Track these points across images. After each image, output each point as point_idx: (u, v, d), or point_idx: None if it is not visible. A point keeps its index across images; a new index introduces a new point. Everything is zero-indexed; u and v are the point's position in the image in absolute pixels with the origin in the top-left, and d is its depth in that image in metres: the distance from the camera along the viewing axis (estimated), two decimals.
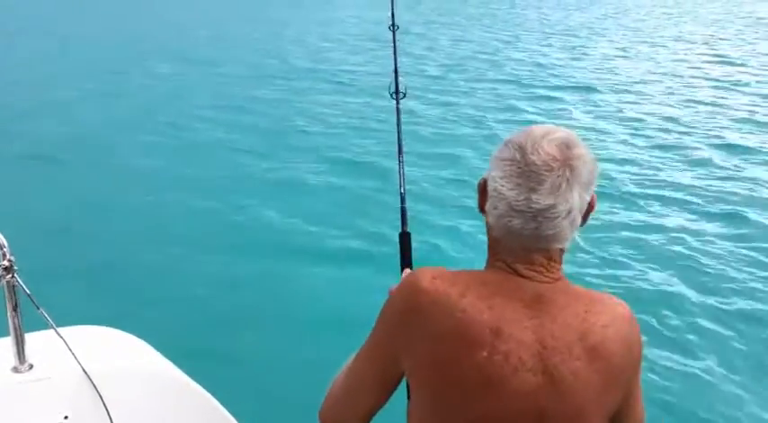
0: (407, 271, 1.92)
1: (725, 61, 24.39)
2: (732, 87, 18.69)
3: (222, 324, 5.79)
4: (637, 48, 27.92)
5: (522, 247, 1.35)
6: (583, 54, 25.19)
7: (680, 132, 12.96)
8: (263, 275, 6.70)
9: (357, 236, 7.56)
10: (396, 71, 2.59)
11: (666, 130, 13.05)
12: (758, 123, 13.86)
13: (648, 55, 25.74)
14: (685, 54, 26.48)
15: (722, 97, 17.01)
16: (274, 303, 6.19)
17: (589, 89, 17.67)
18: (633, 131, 12.91)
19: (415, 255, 2.08)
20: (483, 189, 1.40)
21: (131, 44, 22.29)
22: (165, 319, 5.73)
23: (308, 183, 9.55)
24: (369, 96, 14.77)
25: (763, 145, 11.83)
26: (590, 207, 1.34)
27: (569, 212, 1.29)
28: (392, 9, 2.79)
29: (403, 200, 2.27)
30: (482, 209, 1.41)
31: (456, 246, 7.31)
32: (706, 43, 30.80)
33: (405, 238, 2.11)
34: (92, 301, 5.87)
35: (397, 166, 2.36)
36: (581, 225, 1.35)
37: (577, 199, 1.29)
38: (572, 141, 1.31)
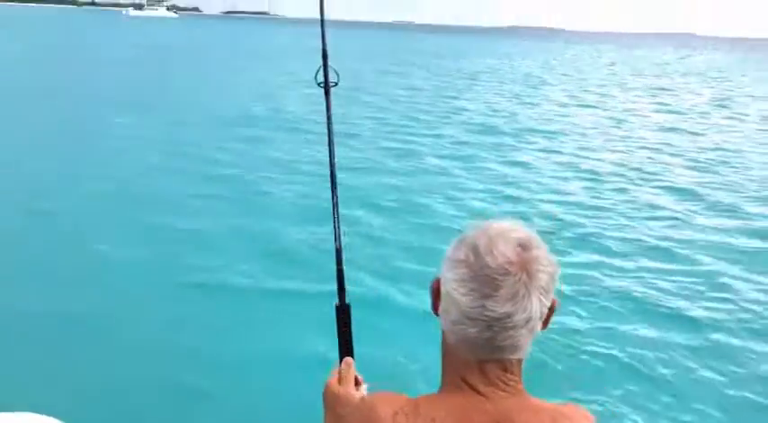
0: (348, 361, 1.62)
1: (666, 109, 25.80)
2: (673, 131, 19.82)
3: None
4: (582, 96, 29.26)
5: (476, 359, 1.22)
6: (533, 103, 26.27)
7: (625, 176, 13.62)
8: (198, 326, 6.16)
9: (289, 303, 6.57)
10: (324, 52, 2.02)
11: (618, 174, 13.72)
12: (698, 167, 14.84)
13: (594, 103, 26.99)
14: (632, 102, 27.87)
15: (665, 142, 17.97)
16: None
17: (538, 133, 18.42)
18: (591, 177, 13.59)
19: (355, 329, 1.68)
20: (436, 290, 1.26)
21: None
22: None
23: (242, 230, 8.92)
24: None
25: (701, 186, 12.84)
26: (550, 311, 1.21)
27: (528, 321, 1.16)
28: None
29: (339, 259, 1.81)
30: (436, 311, 1.28)
31: (404, 321, 6.11)
32: (647, 92, 32.60)
33: (342, 313, 1.70)
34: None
35: (332, 208, 1.82)
36: (543, 328, 1.22)
37: (537, 306, 1.16)
38: (530, 242, 1.18)
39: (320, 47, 1.98)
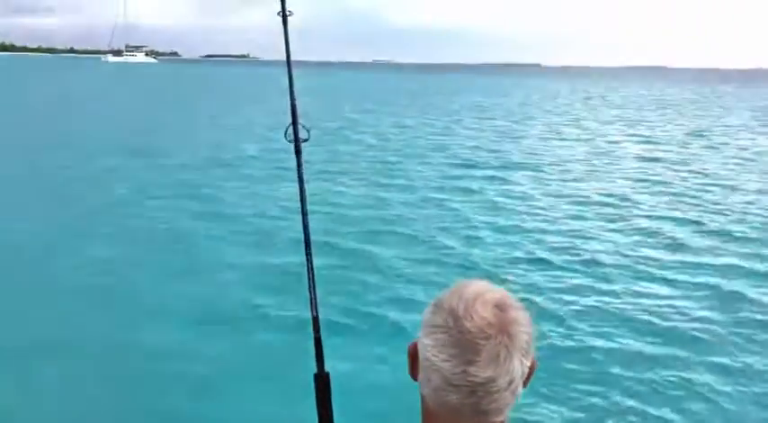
0: None
1: (646, 140, 26.39)
2: (655, 161, 20.29)
3: None
4: (564, 130, 29.87)
5: None
6: (517, 137, 26.77)
7: (612, 204, 13.96)
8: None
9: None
10: (293, 106, 1.98)
11: (603, 204, 14.04)
12: (681, 195, 15.27)
13: (576, 136, 27.54)
14: (612, 135, 28.40)
15: (649, 171, 18.41)
16: None
17: (525, 167, 18.79)
18: (578, 207, 13.84)
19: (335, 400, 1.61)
20: (413, 355, 1.23)
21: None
22: None
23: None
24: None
25: (684, 212, 13.42)
26: (530, 370, 1.19)
27: (511, 383, 1.14)
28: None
29: (316, 326, 1.76)
30: (414, 376, 1.25)
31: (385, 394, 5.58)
32: (626, 124, 33.32)
33: (321, 382, 1.64)
34: None
35: (306, 264, 1.78)
36: (524, 386, 1.19)
37: (518, 367, 1.15)
38: (507, 302, 1.17)
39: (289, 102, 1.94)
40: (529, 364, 1.17)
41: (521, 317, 1.16)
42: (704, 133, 29.42)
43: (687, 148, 24.25)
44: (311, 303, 1.71)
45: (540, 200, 14.49)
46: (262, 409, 5.51)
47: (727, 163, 20.46)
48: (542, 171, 18.34)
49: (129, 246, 10.32)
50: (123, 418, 5.50)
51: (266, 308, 7.70)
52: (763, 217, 13.07)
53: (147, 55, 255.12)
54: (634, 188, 15.99)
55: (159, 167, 17.45)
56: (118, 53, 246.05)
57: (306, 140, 1.97)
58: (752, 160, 21.12)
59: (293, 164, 1.99)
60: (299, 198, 1.82)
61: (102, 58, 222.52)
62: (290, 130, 1.94)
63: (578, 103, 52.85)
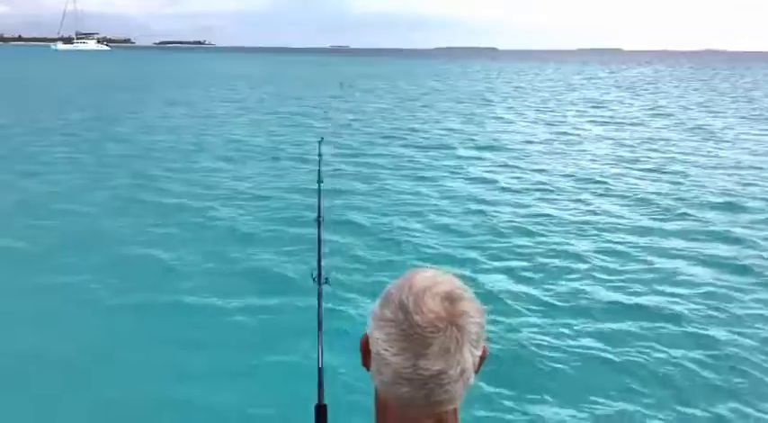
0: None
1: (607, 121, 26.48)
2: (616, 142, 20.26)
3: None
4: (527, 113, 29.79)
5: (411, 415, 1.19)
6: (482, 120, 26.60)
7: (579, 186, 13.84)
8: None
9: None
10: (319, 257, 2.41)
11: (572, 184, 13.91)
12: (645, 173, 15.32)
13: (540, 118, 27.49)
14: (574, 116, 28.47)
15: (612, 152, 18.40)
16: None
17: (493, 149, 18.68)
18: (545, 187, 13.69)
19: None
20: (365, 348, 1.24)
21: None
22: None
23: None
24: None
25: (645, 192, 13.36)
26: (482, 359, 1.20)
27: (462, 374, 1.15)
28: (318, 207, 2.68)
29: (320, 370, 2.02)
30: (367, 367, 1.26)
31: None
32: (587, 106, 33.45)
33: (321, 413, 1.84)
34: None
35: (317, 340, 2.11)
36: (476, 373, 1.19)
37: (469, 357, 1.15)
38: (456, 294, 1.16)
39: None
40: (479, 353, 1.17)
41: (471, 308, 1.15)
42: (662, 112, 29.74)
43: (648, 126, 24.44)
44: (318, 350, 1.96)
45: (508, 182, 14.33)
46: None
47: (688, 141, 20.68)
48: (509, 153, 18.24)
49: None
50: None
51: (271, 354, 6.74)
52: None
53: (98, 42, 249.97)
54: (600, 168, 15.95)
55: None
56: (68, 41, 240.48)
57: (326, 281, 2.38)
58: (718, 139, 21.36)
59: None
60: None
61: (52, 46, 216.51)
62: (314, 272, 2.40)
63: (539, 85, 53.06)
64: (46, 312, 7.19)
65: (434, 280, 1.18)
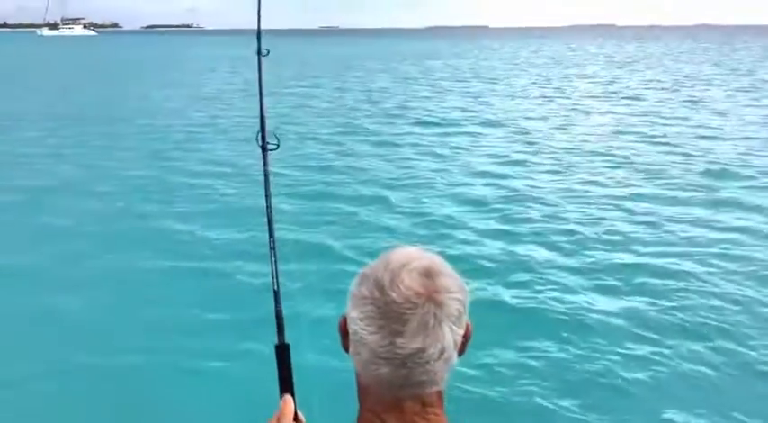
0: (287, 398, 1.52)
1: (628, 95, 25.50)
2: (641, 115, 19.38)
3: None
4: (534, 90, 28.78)
5: (392, 397, 1.15)
6: (490, 98, 25.67)
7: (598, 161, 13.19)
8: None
9: (224, 351, 6.08)
10: (262, 113, 2.11)
11: (594, 159, 13.17)
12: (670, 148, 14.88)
13: (551, 94, 26.62)
14: (587, 91, 27.58)
15: (633, 127, 17.55)
16: None
17: (505, 125, 18.23)
18: (556, 162, 13.16)
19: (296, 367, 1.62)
20: (344, 330, 1.19)
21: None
22: None
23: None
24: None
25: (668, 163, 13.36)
26: (465, 337, 1.15)
27: (442, 352, 1.09)
28: (258, 30, 2.32)
29: (277, 299, 1.80)
30: (347, 349, 1.20)
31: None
32: (599, 81, 32.38)
33: (282, 352, 1.69)
34: None
35: (269, 252, 1.83)
36: (460, 355, 1.15)
37: (449, 335, 1.10)
38: (435, 269, 1.12)
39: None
40: (462, 331, 1.15)
41: (450, 283, 1.13)
42: (681, 86, 29.07)
43: (671, 103, 23.58)
44: (272, 275, 1.78)
45: (518, 157, 14.17)
46: (227, 379, 5.54)
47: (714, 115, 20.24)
48: (526, 131, 17.68)
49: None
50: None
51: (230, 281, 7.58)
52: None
53: (85, 27, 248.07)
54: (627, 143, 15.64)
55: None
56: (54, 26, 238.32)
57: (277, 147, 2.02)
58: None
59: None
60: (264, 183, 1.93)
61: (38, 32, 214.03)
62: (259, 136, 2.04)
63: (541, 62, 52.24)
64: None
65: (412, 256, 1.15)
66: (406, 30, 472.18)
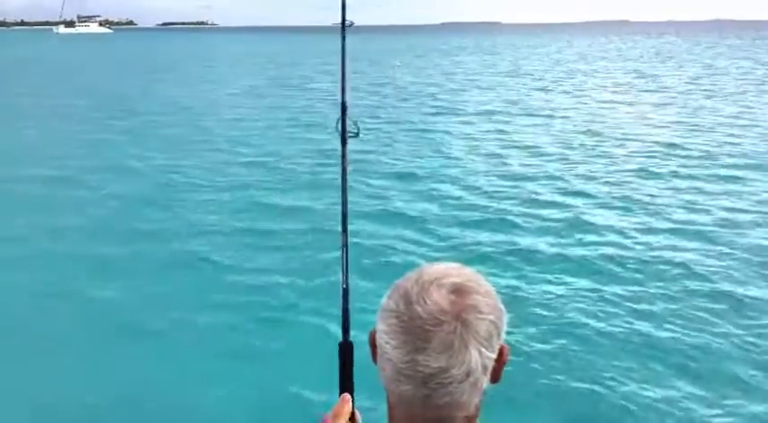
0: (346, 397, 1.52)
1: (655, 88, 25.75)
2: (665, 107, 19.67)
3: None
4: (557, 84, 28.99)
5: (416, 418, 1.11)
6: (524, 92, 25.91)
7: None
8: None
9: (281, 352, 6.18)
10: (343, 97, 1.89)
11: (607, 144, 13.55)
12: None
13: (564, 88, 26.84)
14: (620, 85, 27.68)
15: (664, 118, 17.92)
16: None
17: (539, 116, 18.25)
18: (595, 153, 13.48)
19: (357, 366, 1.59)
20: (373, 342, 1.15)
21: None
22: None
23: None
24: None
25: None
26: (500, 362, 1.10)
27: (468, 375, 1.04)
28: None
29: (346, 297, 1.75)
30: (376, 363, 1.17)
31: None
32: (630, 76, 32.51)
33: (345, 351, 1.67)
34: None
35: (341, 252, 1.76)
36: (494, 381, 1.11)
37: (477, 358, 1.05)
38: (467, 287, 1.07)
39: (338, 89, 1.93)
40: (494, 355, 1.07)
41: (481, 303, 1.06)
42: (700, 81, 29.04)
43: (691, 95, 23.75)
44: (343, 277, 1.73)
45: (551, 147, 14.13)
46: (288, 376, 5.65)
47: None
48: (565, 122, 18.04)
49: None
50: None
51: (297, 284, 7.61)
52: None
53: (100, 25, 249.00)
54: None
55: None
56: (70, 24, 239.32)
57: (356, 134, 1.86)
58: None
59: None
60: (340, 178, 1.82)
61: (54, 30, 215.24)
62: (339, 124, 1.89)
63: (563, 57, 52.07)
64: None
65: (446, 272, 1.10)
66: (421, 26, 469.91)
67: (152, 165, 13.43)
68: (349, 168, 1.79)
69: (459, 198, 10.73)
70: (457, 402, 1.06)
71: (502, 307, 1.09)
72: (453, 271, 1.10)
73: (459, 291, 1.06)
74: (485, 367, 1.05)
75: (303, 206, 10.37)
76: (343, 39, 1.95)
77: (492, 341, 1.06)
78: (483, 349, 1.04)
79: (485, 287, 1.09)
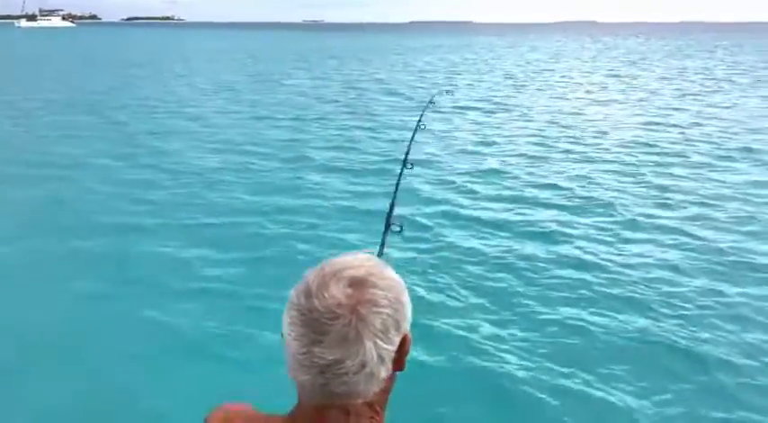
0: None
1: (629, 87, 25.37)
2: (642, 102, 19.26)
3: None
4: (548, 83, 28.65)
5: (316, 404, 1.12)
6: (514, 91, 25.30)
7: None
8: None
9: None
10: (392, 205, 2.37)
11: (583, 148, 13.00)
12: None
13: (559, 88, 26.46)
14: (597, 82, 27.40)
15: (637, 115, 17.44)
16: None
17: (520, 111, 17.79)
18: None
19: None
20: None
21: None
22: None
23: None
24: None
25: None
26: (401, 352, 1.11)
27: (363, 366, 1.06)
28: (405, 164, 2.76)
29: None
30: None
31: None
32: (601, 76, 32.31)
33: None
34: None
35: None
36: (397, 370, 1.12)
37: (372, 350, 1.06)
38: (366, 280, 1.08)
39: None
40: (393, 347, 1.10)
41: (379, 296, 1.08)
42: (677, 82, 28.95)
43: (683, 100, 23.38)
44: None
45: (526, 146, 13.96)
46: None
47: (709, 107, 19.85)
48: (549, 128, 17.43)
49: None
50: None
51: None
52: None
53: (63, 19, 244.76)
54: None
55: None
56: (32, 18, 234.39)
57: (400, 230, 2.41)
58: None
59: None
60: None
61: (16, 24, 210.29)
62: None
63: (539, 57, 52.18)
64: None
65: (349, 264, 1.11)
66: (391, 24, 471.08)
67: (133, 162, 12.85)
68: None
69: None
70: (354, 391, 1.09)
71: (404, 299, 1.11)
72: (356, 263, 1.11)
73: (357, 284, 1.07)
74: (381, 358, 1.07)
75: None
76: (400, 175, 2.57)
77: (389, 334, 1.08)
78: (379, 341, 1.06)
79: (386, 281, 1.10)
